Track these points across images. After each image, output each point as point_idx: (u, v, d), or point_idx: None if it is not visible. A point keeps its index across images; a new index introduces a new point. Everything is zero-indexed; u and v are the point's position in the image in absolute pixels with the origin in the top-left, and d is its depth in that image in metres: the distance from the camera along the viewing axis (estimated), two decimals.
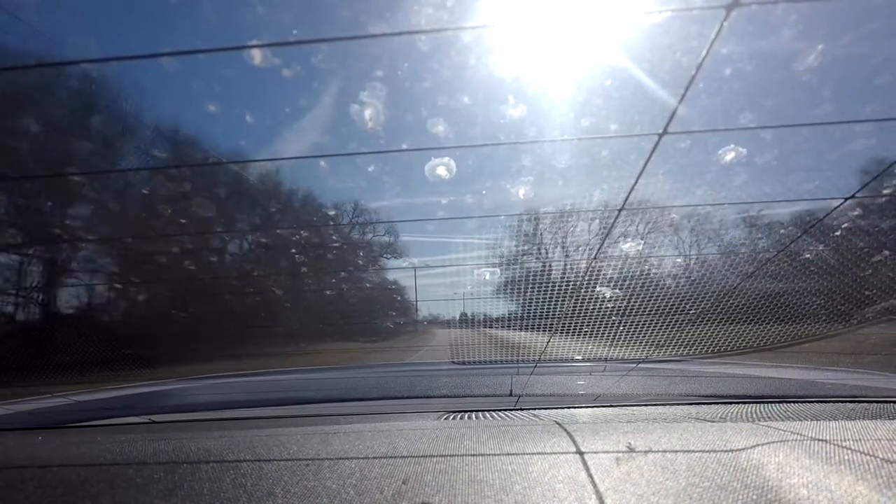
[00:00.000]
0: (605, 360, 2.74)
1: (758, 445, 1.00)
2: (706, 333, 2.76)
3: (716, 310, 2.65)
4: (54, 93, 13.62)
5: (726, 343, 2.87)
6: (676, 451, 0.97)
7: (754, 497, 0.77)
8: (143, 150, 15.39)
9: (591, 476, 0.86)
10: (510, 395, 1.94)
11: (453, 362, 3.64)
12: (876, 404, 1.58)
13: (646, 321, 2.68)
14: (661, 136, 1.22)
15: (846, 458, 0.92)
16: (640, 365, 2.58)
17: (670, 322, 2.67)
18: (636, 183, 1.39)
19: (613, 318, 2.75)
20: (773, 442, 1.02)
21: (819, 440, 1.02)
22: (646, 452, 0.96)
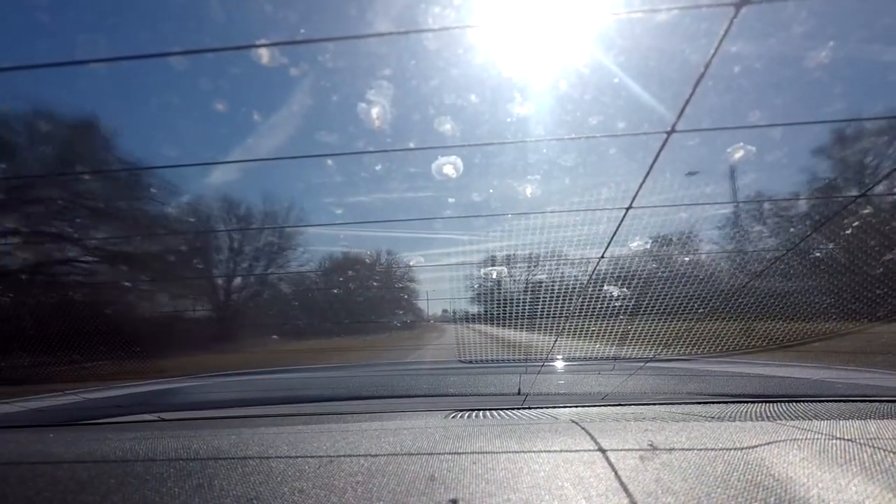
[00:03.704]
0: (613, 359, 2.73)
1: (773, 443, 0.99)
2: (715, 332, 2.75)
3: (724, 309, 2.64)
4: None
5: (735, 342, 2.85)
6: (698, 450, 0.96)
7: (783, 495, 0.77)
8: None
9: (617, 473, 0.86)
10: (518, 393, 1.94)
11: (460, 361, 3.64)
12: (887, 404, 1.56)
13: (653, 320, 2.67)
14: (669, 134, 1.21)
15: (859, 457, 0.91)
16: (647, 364, 2.57)
17: (678, 321, 2.65)
18: (644, 181, 1.38)
19: (621, 317, 2.74)
20: (789, 440, 1.02)
21: (834, 439, 1.02)
22: (669, 450, 0.96)
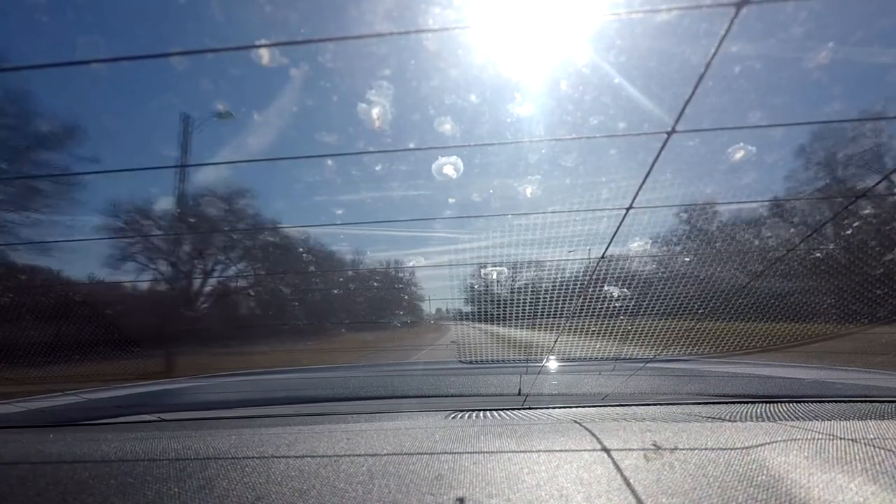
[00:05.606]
0: (614, 359, 2.73)
1: (775, 443, 0.99)
2: (715, 333, 2.75)
3: (725, 309, 2.64)
4: None
5: (735, 342, 2.84)
6: (702, 449, 0.96)
7: (784, 496, 0.77)
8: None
9: (621, 472, 0.86)
10: (518, 393, 1.93)
11: (460, 361, 3.64)
12: (888, 404, 1.56)
13: (654, 320, 2.67)
14: (669, 134, 1.21)
15: (860, 457, 0.91)
16: (648, 364, 2.57)
17: (679, 321, 2.65)
18: (644, 181, 1.38)
19: (621, 317, 2.74)
20: (790, 440, 1.02)
21: (835, 439, 1.02)
22: (672, 450, 0.96)
